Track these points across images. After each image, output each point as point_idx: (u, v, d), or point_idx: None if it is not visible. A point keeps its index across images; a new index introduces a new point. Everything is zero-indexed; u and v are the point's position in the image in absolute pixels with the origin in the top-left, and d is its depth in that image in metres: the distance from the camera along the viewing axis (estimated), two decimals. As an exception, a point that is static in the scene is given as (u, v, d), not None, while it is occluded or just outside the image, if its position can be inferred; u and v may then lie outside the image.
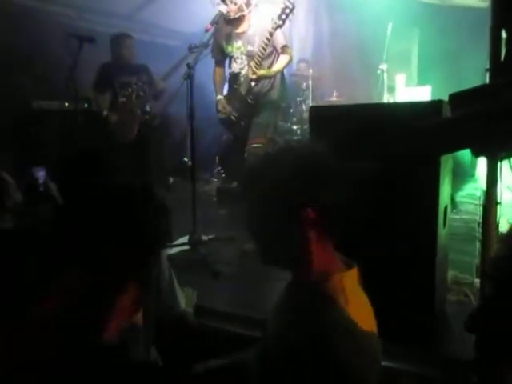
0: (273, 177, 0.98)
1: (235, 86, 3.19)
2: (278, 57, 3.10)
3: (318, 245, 0.99)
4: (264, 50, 2.96)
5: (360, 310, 0.95)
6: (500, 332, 0.75)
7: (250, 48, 3.06)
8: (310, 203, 0.95)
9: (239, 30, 3.11)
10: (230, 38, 3.15)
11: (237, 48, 3.14)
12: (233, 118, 3.23)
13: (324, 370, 0.86)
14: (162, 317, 1.32)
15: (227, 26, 3.14)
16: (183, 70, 2.77)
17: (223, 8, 2.95)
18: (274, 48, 3.06)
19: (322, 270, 0.99)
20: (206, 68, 3.35)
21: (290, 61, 3.16)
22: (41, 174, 2.08)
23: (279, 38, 3.01)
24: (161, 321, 1.28)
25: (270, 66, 3.10)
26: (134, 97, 4.07)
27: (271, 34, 2.91)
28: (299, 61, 5.54)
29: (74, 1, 4.71)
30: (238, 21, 3.07)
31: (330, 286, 0.96)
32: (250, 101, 3.11)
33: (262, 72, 2.99)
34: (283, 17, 2.83)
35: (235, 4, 2.96)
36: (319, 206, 0.95)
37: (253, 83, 3.05)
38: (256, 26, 3.04)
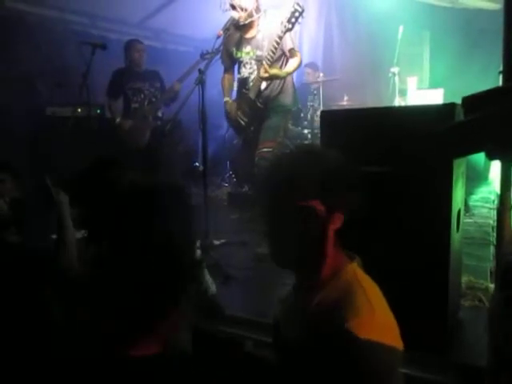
0: (291, 177, 0.99)
1: (244, 91, 3.20)
2: (287, 61, 3.10)
3: (332, 246, 1.01)
4: (273, 53, 2.97)
5: (378, 298, 0.96)
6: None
7: (259, 53, 3.08)
8: (329, 206, 0.98)
9: (248, 36, 3.13)
10: (239, 44, 3.17)
11: (246, 53, 3.15)
12: (242, 123, 3.24)
13: (343, 368, 0.86)
14: (200, 300, 1.33)
15: (236, 31, 3.16)
16: (195, 75, 2.79)
17: (234, 13, 2.97)
18: (283, 52, 3.06)
19: (334, 265, 1.01)
20: (217, 73, 3.38)
21: (300, 63, 3.15)
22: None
23: (287, 42, 3.02)
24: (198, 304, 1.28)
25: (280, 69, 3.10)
26: (146, 103, 4.12)
27: (280, 38, 2.91)
28: (309, 65, 5.55)
29: (87, 9, 4.78)
30: (248, 26, 3.09)
31: (344, 279, 0.98)
32: (259, 105, 3.12)
33: (274, 71, 2.97)
34: (293, 20, 2.84)
35: (245, 10, 2.97)
36: (339, 208, 0.98)
37: (262, 86, 3.06)
38: (265, 31, 3.05)
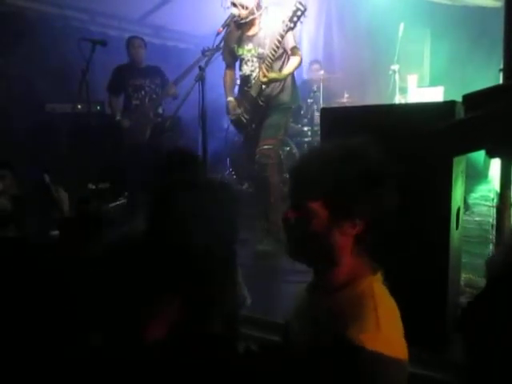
0: (302, 174, 0.99)
1: (246, 89, 3.20)
2: (288, 59, 3.10)
3: (348, 254, 0.98)
4: (275, 51, 2.96)
5: (389, 316, 0.92)
6: (487, 332, 0.74)
7: (260, 51, 3.07)
8: (336, 210, 0.94)
9: (250, 33, 3.12)
10: (240, 41, 3.16)
11: (248, 50, 3.15)
12: (244, 120, 3.24)
13: (347, 379, 0.85)
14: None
15: (238, 29, 3.15)
16: (195, 72, 2.79)
17: (235, 11, 2.96)
18: (284, 50, 3.06)
19: (350, 273, 0.98)
20: (218, 70, 3.37)
21: (300, 62, 3.15)
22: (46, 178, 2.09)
23: (289, 40, 3.01)
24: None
25: (280, 68, 3.10)
26: (146, 100, 4.12)
27: (282, 37, 2.91)
28: (312, 62, 5.54)
29: (87, 5, 4.77)
30: (249, 24, 3.08)
31: (358, 290, 0.94)
32: (260, 103, 3.12)
33: (272, 75, 2.99)
34: (294, 19, 2.83)
35: (246, 8, 2.97)
36: (349, 214, 0.94)
37: (264, 86, 3.06)
38: (266, 29, 3.05)
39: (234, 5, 2.95)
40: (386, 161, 0.97)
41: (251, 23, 3.08)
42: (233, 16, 2.95)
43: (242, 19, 3.01)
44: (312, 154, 1.05)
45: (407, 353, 0.91)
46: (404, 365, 0.90)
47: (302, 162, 1.04)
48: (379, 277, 1.00)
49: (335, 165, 0.95)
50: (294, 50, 3.05)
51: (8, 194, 2.19)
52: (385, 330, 0.87)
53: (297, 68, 3.16)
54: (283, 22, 2.86)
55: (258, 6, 3.03)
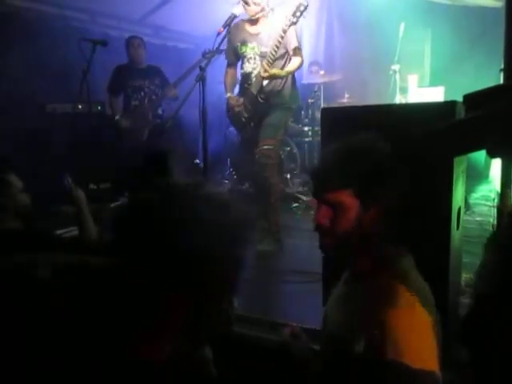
0: (331, 164, 1.04)
1: (246, 86, 3.21)
2: (289, 59, 3.10)
3: (373, 239, 1.03)
4: (277, 47, 2.97)
5: (425, 295, 0.97)
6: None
7: (263, 49, 3.08)
8: (366, 198, 1.00)
9: (254, 32, 3.15)
10: (244, 39, 3.18)
11: (251, 48, 3.16)
12: (243, 119, 3.24)
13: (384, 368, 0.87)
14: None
15: (243, 27, 3.18)
16: (196, 74, 2.78)
17: (237, 10, 2.97)
18: (287, 50, 3.07)
19: (380, 256, 1.03)
20: (218, 71, 3.37)
21: (302, 63, 3.15)
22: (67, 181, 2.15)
23: (292, 40, 3.02)
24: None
25: (282, 68, 3.10)
26: (146, 101, 4.12)
27: (285, 32, 2.92)
28: (311, 63, 5.54)
29: (87, 5, 4.77)
30: (255, 22, 3.11)
31: (391, 272, 0.99)
32: (260, 100, 3.11)
33: (273, 71, 2.98)
34: (297, 14, 2.84)
35: (258, 5, 3.00)
36: (376, 201, 1.01)
37: (264, 82, 3.07)
38: (271, 30, 3.07)
39: (246, 2, 2.98)
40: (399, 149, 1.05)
41: (257, 21, 3.11)
42: (233, 16, 2.96)
43: (252, 16, 3.05)
44: (331, 152, 1.09)
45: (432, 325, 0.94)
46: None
47: (324, 160, 1.09)
48: (410, 259, 1.06)
49: (359, 155, 1.03)
50: (296, 51, 3.05)
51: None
52: (418, 312, 0.91)
53: (298, 68, 3.16)
54: (286, 17, 2.88)
55: (267, 6, 3.06)
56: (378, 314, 0.90)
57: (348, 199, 1.01)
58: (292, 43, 3.02)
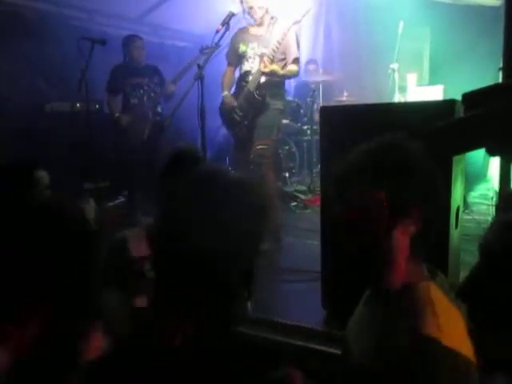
0: (364, 161, 0.93)
1: (243, 83, 3.24)
2: (287, 65, 3.19)
3: (403, 256, 0.90)
4: (279, 43, 3.03)
5: (451, 325, 0.83)
6: (489, 301, 0.72)
7: (264, 50, 3.13)
8: (397, 206, 0.88)
9: (257, 33, 3.20)
10: (246, 39, 3.23)
11: (251, 48, 3.21)
12: (237, 118, 3.26)
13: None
14: None
15: (247, 30, 3.25)
16: (194, 71, 2.79)
17: (235, 8, 3.03)
18: (285, 56, 3.15)
19: (407, 278, 0.90)
20: (217, 69, 3.37)
21: (298, 73, 3.27)
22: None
23: (292, 48, 3.12)
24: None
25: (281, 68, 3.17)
26: (145, 98, 4.11)
27: (288, 30, 2.99)
28: (308, 62, 5.54)
29: (86, 4, 4.75)
30: (260, 25, 3.18)
31: (415, 297, 0.86)
32: (257, 96, 3.14)
33: (273, 66, 3.05)
34: (301, 13, 2.94)
35: (262, 8, 3.10)
36: (409, 213, 0.88)
37: (262, 80, 3.11)
38: (273, 33, 3.13)
39: (251, 7, 3.07)
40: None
41: (261, 25, 3.18)
42: (232, 14, 2.97)
43: (258, 19, 3.14)
44: (355, 157, 0.96)
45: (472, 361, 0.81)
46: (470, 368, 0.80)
47: (349, 165, 0.95)
48: (440, 282, 0.92)
49: (392, 152, 0.92)
50: (295, 61, 3.16)
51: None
52: (448, 337, 0.79)
53: (293, 76, 3.29)
54: (289, 17, 2.98)
55: (268, 10, 3.17)
56: (403, 343, 0.80)
57: (375, 205, 0.88)
58: (292, 53, 3.13)
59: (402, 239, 0.89)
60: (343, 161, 0.96)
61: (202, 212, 0.74)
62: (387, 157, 0.91)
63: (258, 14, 3.11)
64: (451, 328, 0.82)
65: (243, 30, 3.27)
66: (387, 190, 0.88)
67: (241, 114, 3.24)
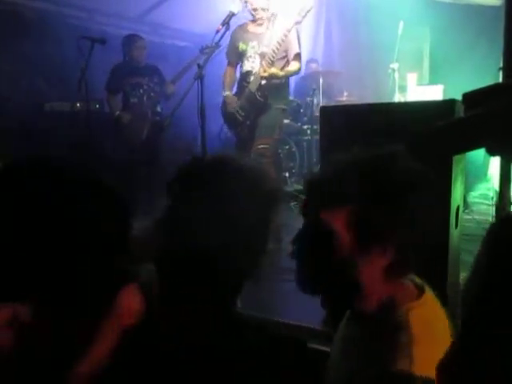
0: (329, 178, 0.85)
1: (245, 84, 3.23)
2: (288, 63, 3.18)
3: (382, 276, 0.83)
4: (278, 48, 3.01)
5: (427, 351, 0.75)
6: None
7: (264, 49, 3.13)
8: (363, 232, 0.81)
9: (257, 32, 3.20)
10: (246, 38, 3.23)
11: (251, 47, 3.20)
12: (239, 118, 3.25)
13: None
14: None
15: (246, 27, 3.23)
16: (194, 70, 2.79)
17: (235, 8, 3.02)
18: (287, 54, 3.13)
19: (383, 301, 0.83)
20: (217, 69, 3.37)
21: (299, 70, 3.26)
22: None
23: (293, 44, 3.10)
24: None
25: (281, 69, 3.16)
26: (145, 98, 4.11)
27: (289, 31, 2.98)
28: (309, 61, 5.53)
29: (85, 3, 4.75)
30: (260, 23, 3.18)
31: (390, 322, 0.80)
32: (259, 98, 3.14)
33: (272, 70, 3.04)
34: (302, 13, 2.92)
35: (267, 10, 3.11)
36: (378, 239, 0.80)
37: (263, 81, 3.10)
38: (273, 31, 3.13)
39: (255, 9, 3.08)
40: (419, 172, 0.84)
41: (261, 23, 3.18)
42: (232, 14, 2.97)
43: (258, 19, 3.15)
44: (334, 167, 0.88)
45: None
46: None
47: (322, 175, 0.88)
48: (425, 300, 0.85)
49: (363, 177, 0.82)
50: (296, 57, 3.14)
51: None
52: (421, 367, 0.74)
53: (295, 73, 3.28)
54: (290, 17, 2.97)
55: (268, 8, 3.16)
56: (384, 365, 0.76)
57: (338, 230, 0.81)
58: (293, 49, 3.11)
59: (377, 262, 0.82)
60: (324, 167, 0.89)
61: (208, 208, 0.73)
62: (364, 179, 0.81)
63: (261, 15, 3.12)
64: (427, 354, 0.73)
65: (242, 28, 3.25)
66: (356, 212, 0.80)
67: (243, 114, 3.23)
